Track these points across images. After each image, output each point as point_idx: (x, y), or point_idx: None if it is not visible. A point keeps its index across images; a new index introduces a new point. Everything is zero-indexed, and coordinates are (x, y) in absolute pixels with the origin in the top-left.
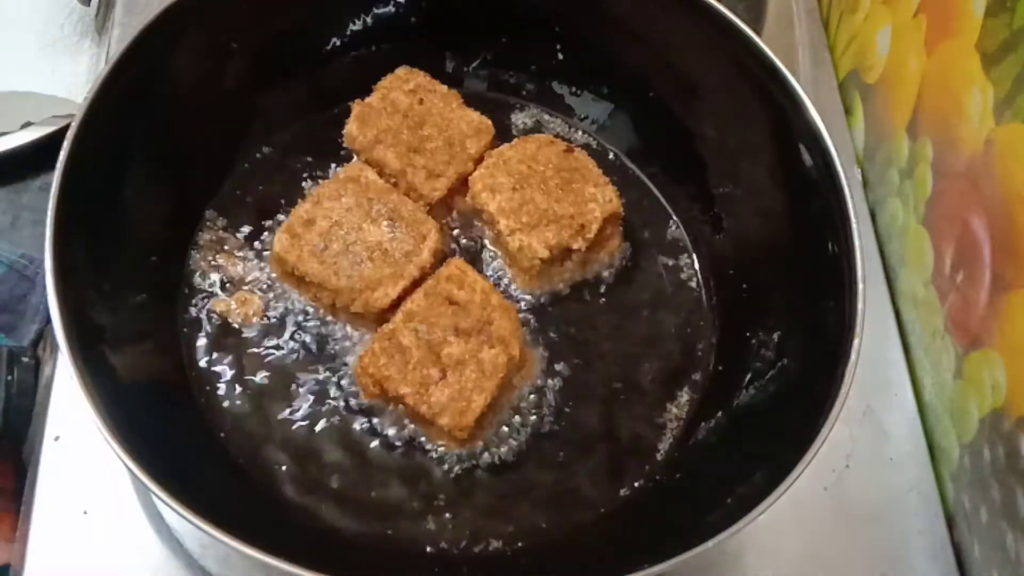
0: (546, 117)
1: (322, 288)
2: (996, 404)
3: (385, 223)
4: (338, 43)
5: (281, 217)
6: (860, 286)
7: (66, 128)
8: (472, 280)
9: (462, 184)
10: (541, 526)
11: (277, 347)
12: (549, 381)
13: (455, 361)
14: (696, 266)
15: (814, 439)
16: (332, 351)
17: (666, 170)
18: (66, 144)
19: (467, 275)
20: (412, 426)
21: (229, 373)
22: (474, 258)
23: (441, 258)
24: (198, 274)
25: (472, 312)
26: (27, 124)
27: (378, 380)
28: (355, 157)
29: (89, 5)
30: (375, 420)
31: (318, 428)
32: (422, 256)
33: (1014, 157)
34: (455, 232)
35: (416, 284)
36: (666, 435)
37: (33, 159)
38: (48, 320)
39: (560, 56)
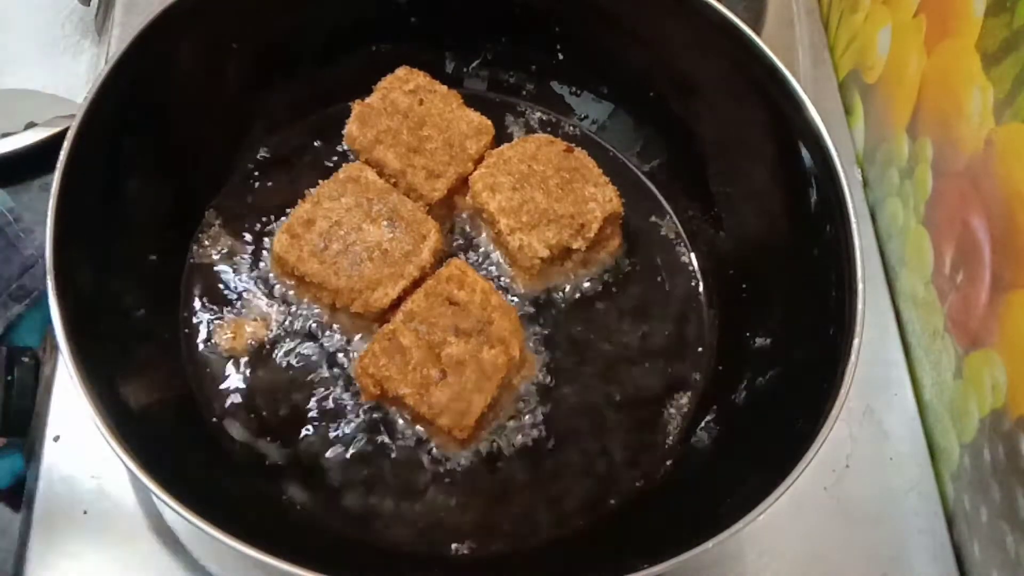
0: (546, 117)
1: (322, 288)
2: (996, 404)
3: (385, 223)
4: (338, 43)
5: (281, 217)
6: (860, 286)
7: (68, 128)
8: (472, 280)
9: (462, 184)
10: (541, 526)
11: (276, 347)
12: (549, 381)
13: (455, 361)
14: (696, 266)
15: (814, 439)
16: (332, 351)
17: (666, 170)
18: (66, 144)
19: (467, 275)
20: (412, 427)
21: (228, 373)
22: (474, 258)
23: (441, 258)
24: (199, 274)
25: (472, 312)
26: (31, 124)
27: (378, 380)
28: (354, 157)
29: (89, 5)
30: (375, 421)
31: (317, 428)
32: (422, 256)
33: (1014, 157)
34: (455, 232)
35: (416, 284)
36: (666, 435)
37: (35, 159)
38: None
39: (560, 56)
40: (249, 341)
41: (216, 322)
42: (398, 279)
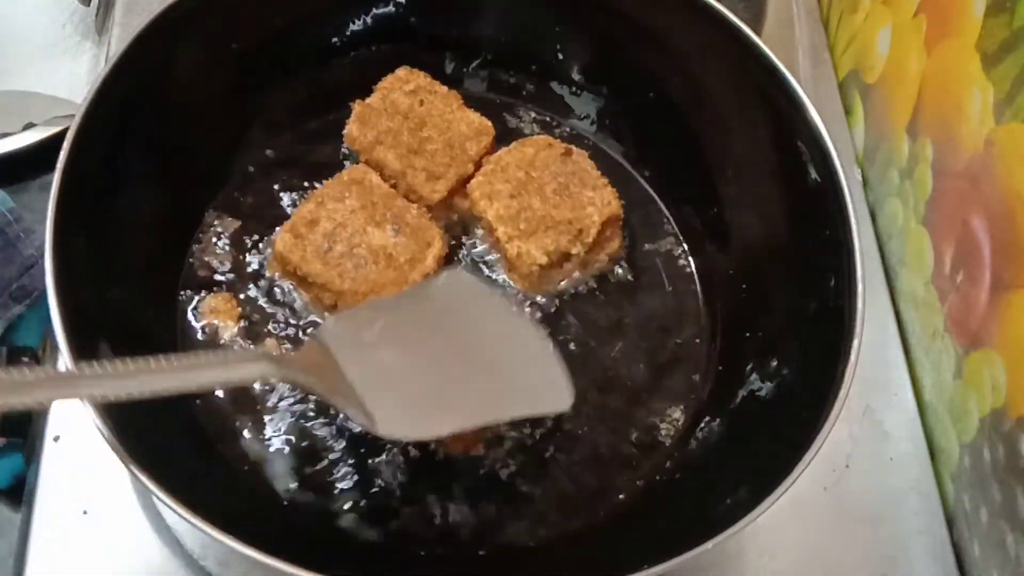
0: (546, 117)
1: (324, 289)
2: (996, 404)
3: (390, 227)
4: (338, 43)
5: (282, 218)
6: (860, 286)
7: (67, 129)
8: None
9: (462, 185)
10: (541, 528)
11: (275, 347)
12: None
13: None
14: (695, 266)
15: (814, 439)
16: None
17: (665, 170)
18: (66, 144)
19: None
20: None
21: None
22: (474, 262)
23: (444, 265)
24: (198, 275)
25: None
26: (29, 125)
27: None
28: (354, 157)
29: (89, 5)
30: None
31: (318, 430)
32: (426, 263)
33: (1014, 157)
34: (455, 236)
35: None
36: (666, 436)
37: (35, 159)
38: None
39: (560, 56)
40: (249, 342)
41: (215, 323)
42: (402, 285)
